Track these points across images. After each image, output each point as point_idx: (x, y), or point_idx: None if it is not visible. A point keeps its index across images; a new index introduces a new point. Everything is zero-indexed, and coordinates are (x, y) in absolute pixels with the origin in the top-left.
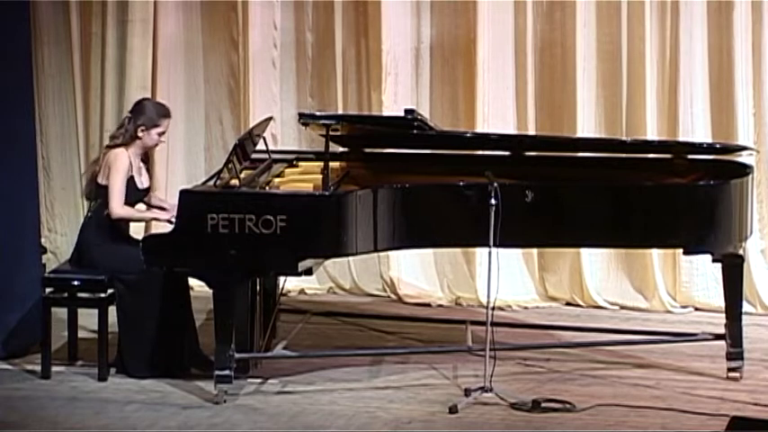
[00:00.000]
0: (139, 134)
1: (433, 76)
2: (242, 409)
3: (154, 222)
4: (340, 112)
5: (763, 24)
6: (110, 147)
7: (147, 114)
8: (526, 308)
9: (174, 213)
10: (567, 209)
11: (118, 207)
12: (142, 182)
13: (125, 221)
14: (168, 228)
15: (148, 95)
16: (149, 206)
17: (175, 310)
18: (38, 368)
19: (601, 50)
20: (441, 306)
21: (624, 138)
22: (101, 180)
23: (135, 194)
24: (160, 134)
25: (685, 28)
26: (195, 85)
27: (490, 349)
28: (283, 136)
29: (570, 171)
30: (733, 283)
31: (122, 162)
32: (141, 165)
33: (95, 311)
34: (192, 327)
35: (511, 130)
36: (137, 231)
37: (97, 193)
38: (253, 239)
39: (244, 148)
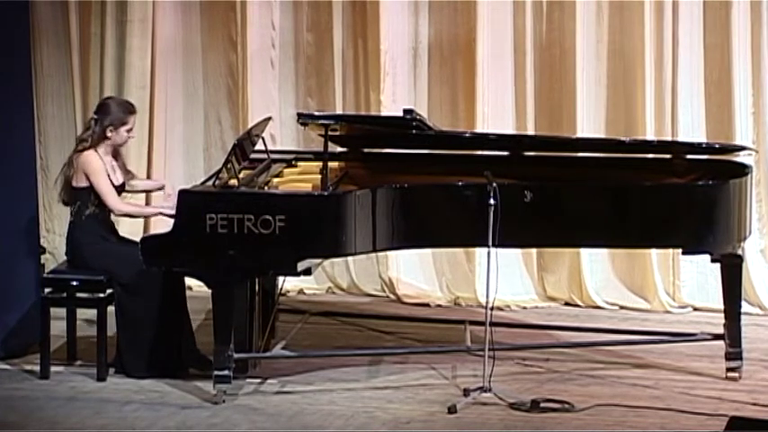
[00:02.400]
0: (108, 134)
1: (431, 77)
2: (241, 409)
3: (153, 220)
4: (338, 112)
5: (761, 23)
6: (78, 150)
7: (114, 114)
8: (525, 308)
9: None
10: (566, 209)
11: (118, 204)
12: (117, 178)
13: (99, 219)
14: (168, 226)
15: (147, 96)
16: (141, 192)
17: (173, 310)
18: (37, 368)
19: (600, 50)
20: (439, 306)
21: (623, 138)
22: (75, 183)
23: None
24: (128, 131)
25: (684, 27)
26: (194, 85)
27: (489, 349)
28: (282, 136)
29: (569, 171)
30: (732, 283)
31: (96, 163)
32: (113, 162)
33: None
34: (189, 327)
35: (510, 130)
36: (136, 231)
37: (75, 197)
38: (252, 239)
39: (243, 149)
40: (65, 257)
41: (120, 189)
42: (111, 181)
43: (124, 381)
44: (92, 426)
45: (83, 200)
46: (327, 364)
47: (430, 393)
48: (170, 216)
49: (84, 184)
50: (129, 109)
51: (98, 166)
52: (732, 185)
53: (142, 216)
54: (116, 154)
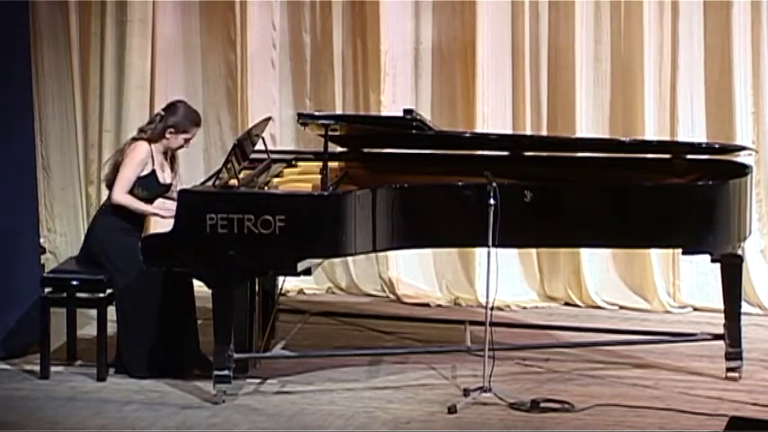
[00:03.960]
0: (167, 135)
1: (431, 77)
2: (241, 409)
3: (153, 221)
4: (338, 112)
5: (761, 24)
6: (135, 139)
7: (179, 118)
8: (525, 308)
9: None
10: (565, 209)
11: (119, 193)
12: (164, 177)
13: (129, 212)
14: (168, 227)
15: (147, 96)
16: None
17: (175, 310)
18: (37, 368)
19: (599, 50)
20: (439, 306)
21: (623, 138)
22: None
23: (157, 189)
24: (186, 140)
25: (684, 27)
26: (194, 86)
27: (489, 349)
28: (282, 136)
29: (569, 171)
30: (732, 283)
31: (139, 153)
32: (164, 162)
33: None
34: (194, 328)
35: (509, 130)
36: None
37: None
38: (252, 239)
39: (243, 149)
40: (66, 257)
41: (165, 188)
42: (157, 179)
43: (124, 381)
44: (92, 426)
45: None
46: (327, 364)
47: (430, 393)
48: (166, 217)
49: None
50: (196, 120)
51: (139, 157)
52: (732, 185)
53: (137, 210)
54: (173, 159)
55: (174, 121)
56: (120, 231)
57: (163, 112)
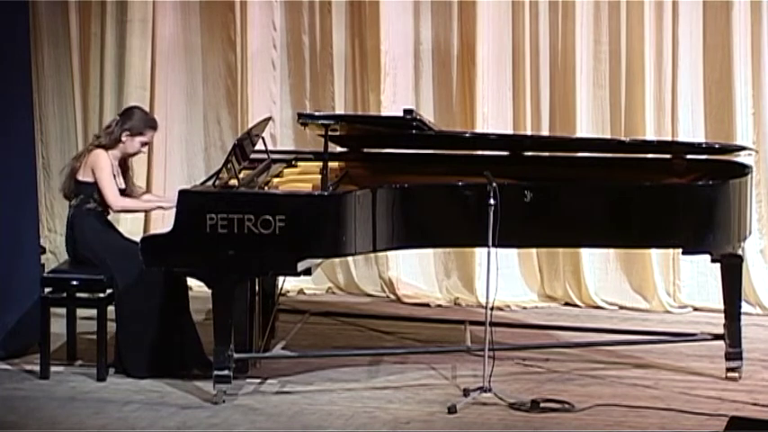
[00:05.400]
0: (123, 138)
1: (431, 77)
2: (241, 409)
3: (153, 219)
4: (339, 112)
5: (761, 24)
6: (93, 146)
7: (135, 122)
8: (525, 308)
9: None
10: (565, 209)
11: (117, 199)
12: (120, 183)
13: (100, 213)
14: (168, 227)
15: (147, 96)
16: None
17: (174, 309)
18: (37, 368)
19: (599, 50)
20: (439, 306)
21: (623, 138)
22: (80, 177)
23: None
24: (143, 144)
25: (684, 27)
26: (193, 86)
27: (489, 349)
28: (282, 136)
29: (569, 171)
30: (732, 283)
31: (105, 159)
32: (119, 168)
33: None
34: (193, 330)
35: (509, 130)
36: (136, 231)
37: (78, 190)
38: (251, 239)
39: (243, 149)
40: (66, 257)
41: (121, 193)
42: (116, 184)
43: (124, 381)
44: (91, 426)
45: (86, 194)
46: (327, 364)
47: (430, 393)
48: (168, 209)
49: (89, 179)
50: (151, 124)
51: (106, 163)
52: (732, 185)
53: (140, 210)
54: (126, 167)
55: (130, 125)
56: (103, 233)
57: (119, 117)
